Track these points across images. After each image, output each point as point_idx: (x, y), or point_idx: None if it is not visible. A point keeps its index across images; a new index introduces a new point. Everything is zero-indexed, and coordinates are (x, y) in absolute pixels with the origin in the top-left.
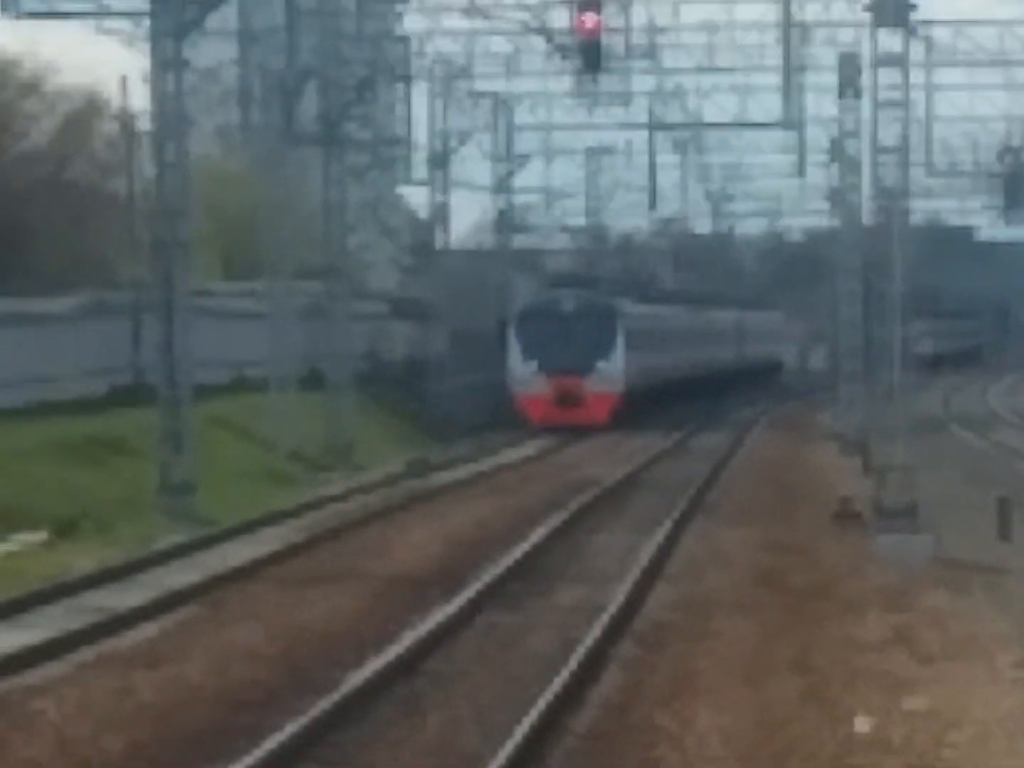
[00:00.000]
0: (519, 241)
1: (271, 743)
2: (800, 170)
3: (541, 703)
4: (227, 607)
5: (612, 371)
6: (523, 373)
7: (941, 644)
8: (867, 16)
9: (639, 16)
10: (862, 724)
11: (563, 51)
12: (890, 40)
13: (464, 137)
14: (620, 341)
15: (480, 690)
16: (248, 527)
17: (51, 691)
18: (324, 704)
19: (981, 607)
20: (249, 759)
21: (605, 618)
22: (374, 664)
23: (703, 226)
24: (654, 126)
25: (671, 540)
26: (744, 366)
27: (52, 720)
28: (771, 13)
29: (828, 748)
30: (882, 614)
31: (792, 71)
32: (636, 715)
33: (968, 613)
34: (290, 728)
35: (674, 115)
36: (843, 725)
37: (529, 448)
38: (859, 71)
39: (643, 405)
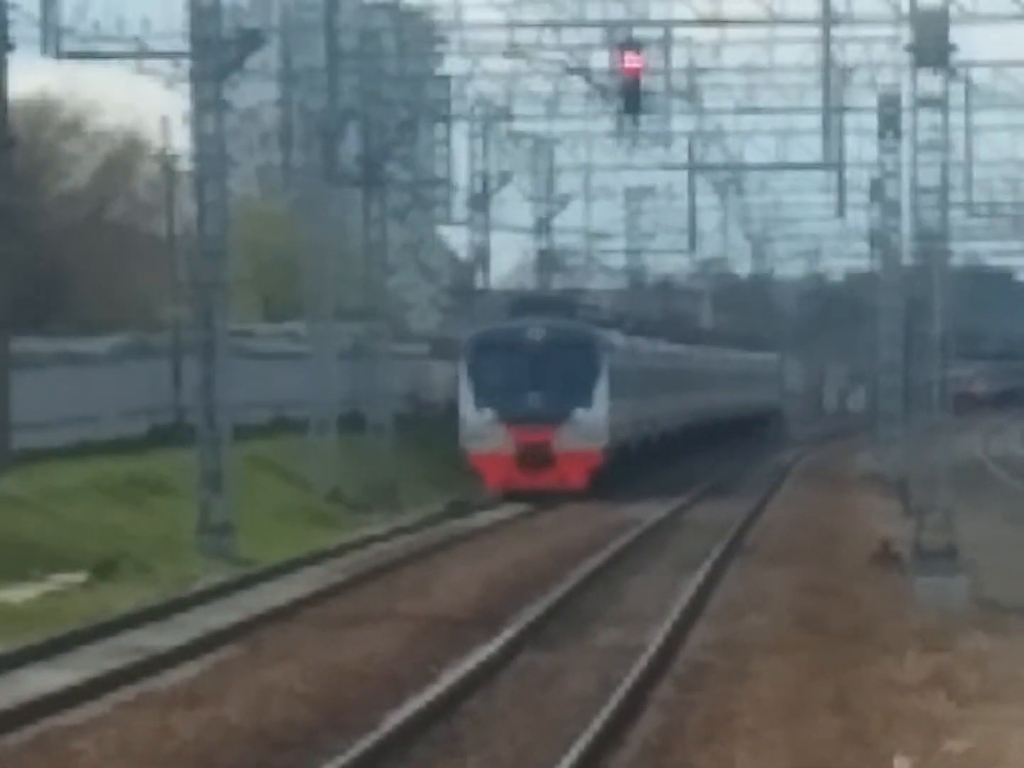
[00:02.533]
0: (559, 281)
1: None
2: (840, 211)
3: (580, 744)
4: (266, 647)
5: (592, 421)
6: (476, 424)
7: (980, 685)
8: (907, 57)
9: (680, 57)
10: (901, 765)
11: (603, 92)
12: (930, 81)
13: (504, 178)
14: (603, 382)
15: (519, 731)
16: (287, 567)
17: (91, 731)
18: (363, 744)
19: (1021, 648)
20: None
21: (644, 659)
22: (413, 704)
23: (743, 267)
24: (694, 167)
25: (710, 580)
26: (742, 414)
27: (92, 760)
28: (811, 55)
29: None
30: (921, 655)
31: (832, 112)
32: (675, 756)
33: (1007, 654)
34: None
35: (714, 156)
36: (882, 766)
37: None
38: (899, 112)
39: (631, 464)
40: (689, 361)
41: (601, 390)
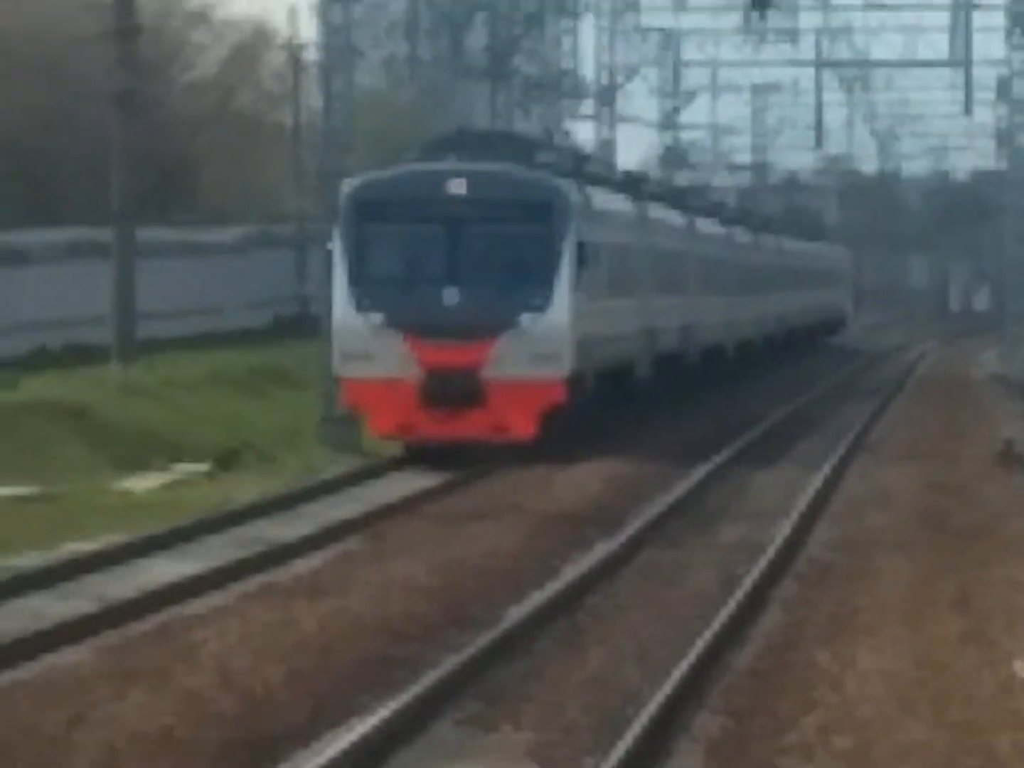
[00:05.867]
0: (684, 177)
1: (431, 676)
2: (967, 109)
3: (701, 640)
4: (389, 540)
5: (549, 334)
6: (356, 335)
7: None
8: None
9: None
10: (1022, 667)
11: None
12: None
13: (631, 72)
14: (567, 266)
15: (641, 626)
16: (410, 459)
17: (212, 621)
18: (484, 638)
19: None
20: (409, 691)
21: (766, 556)
22: (535, 599)
23: (869, 165)
24: (821, 64)
25: (833, 478)
26: (790, 324)
27: (213, 650)
28: None
29: (988, 690)
30: None
31: (960, 9)
32: (796, 654)
33: None
34: (450, 662)
35: (841, 52)
36: (1003, 666)
37: None
38: None
39: (613, 399)
40: (697, 244)
41: (564, 280)
